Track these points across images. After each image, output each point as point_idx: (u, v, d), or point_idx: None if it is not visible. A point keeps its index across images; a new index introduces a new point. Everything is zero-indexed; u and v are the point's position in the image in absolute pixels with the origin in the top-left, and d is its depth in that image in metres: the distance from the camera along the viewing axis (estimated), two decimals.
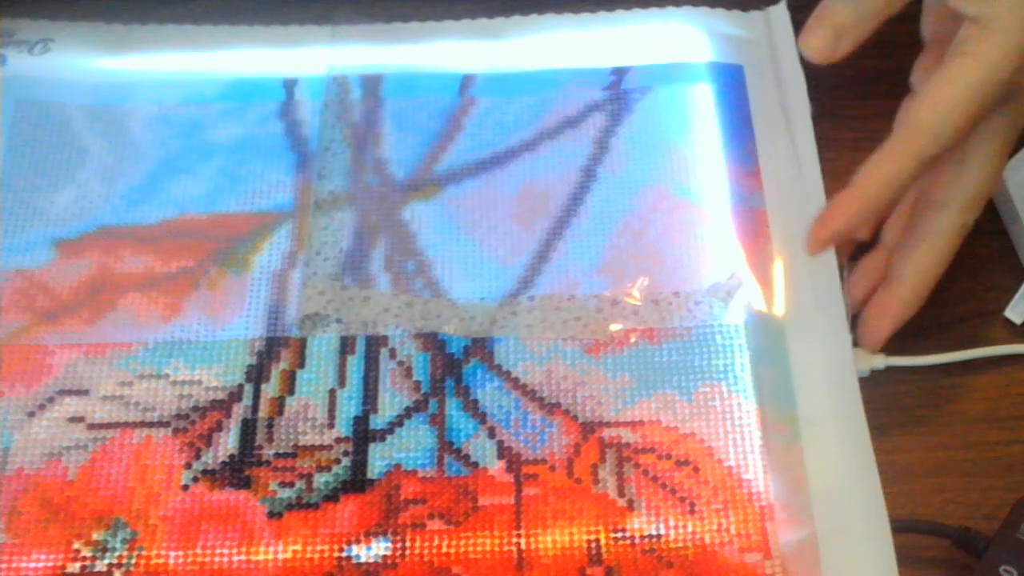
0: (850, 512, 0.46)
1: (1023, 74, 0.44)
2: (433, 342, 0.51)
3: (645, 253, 0.53)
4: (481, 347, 0.51)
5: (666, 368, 0.50)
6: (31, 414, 0.49)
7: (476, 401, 0.49)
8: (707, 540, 0.46)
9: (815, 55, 0.48)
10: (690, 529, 0.46)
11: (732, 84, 0.57)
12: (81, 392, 0.49)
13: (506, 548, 0.46)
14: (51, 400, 0.49)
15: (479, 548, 0.46)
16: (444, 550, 0.46)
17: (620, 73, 0.58)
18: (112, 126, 0.57)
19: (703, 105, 0.57)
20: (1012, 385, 0.52)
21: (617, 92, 0.58)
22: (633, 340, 0.51)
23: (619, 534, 0.46)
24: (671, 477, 0.47)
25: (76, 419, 0.49)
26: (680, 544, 0.46)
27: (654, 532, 0.46)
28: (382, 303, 0.52)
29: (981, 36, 0.44)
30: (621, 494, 0.47)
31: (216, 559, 0.46)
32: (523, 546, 0.46)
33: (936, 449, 0.51)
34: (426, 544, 0.46)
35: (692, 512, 0.46)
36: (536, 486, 0.47)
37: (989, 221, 0.56)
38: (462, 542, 0.46)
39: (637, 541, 0.46)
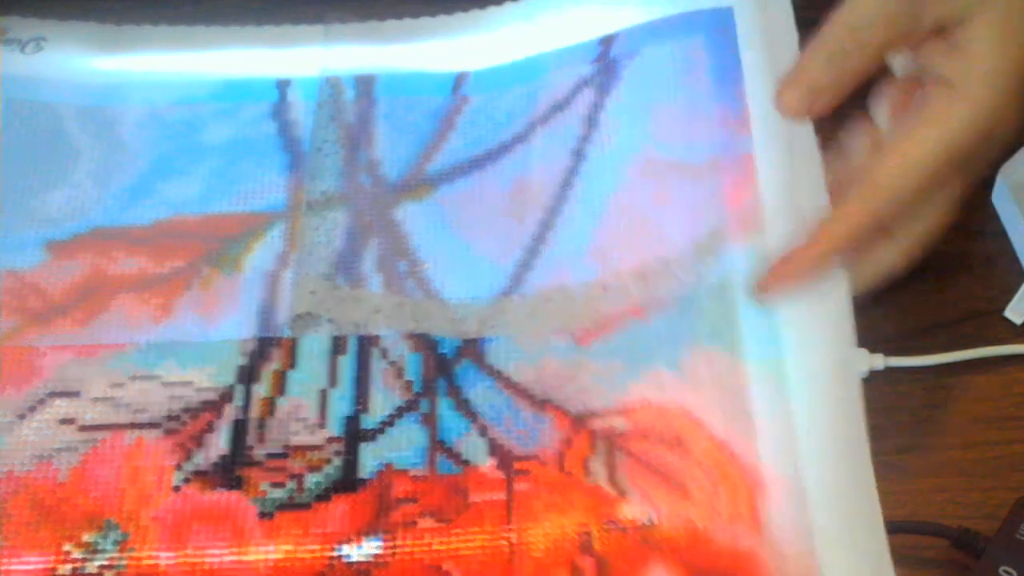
0: (843, 468, 0.44)
1: (985, 140, 0.45)
2: (425, 342, 0.51)
3: (634, 227, 0.52)
4: (473, 347, 0.50)
5: (655, 342, 0.49)
6: (21, 416, 0.48)
7: (468, 400, 0.49)
8: (699, 526, 0.45)
9: (790, 113, 0.47)
10: (682, 515, 0.45)
11: (721, 29, 0.55)
12: (72, 394, 0.49)
13: (497, 543, 0.45)
14: (42, 402, 0.49)
15: (470, 544, 0.45)
16: (435, 548, 0.45)
17: (607, 42, 0.57)
18: (105, 126, 0.56)
19: (691, 58, 0.55)
20: (1012, 385, 0.52)
21: (605, 63, 0.56)
22: (622, 320, 0.50)
23: (611, 524, 0.45)
24: (662, 460, 0.47)
25: (67, 421, 0.48)
26: (672, 531, 0.45)
27: (646, 520, 0.45)
28: (373, 304, 0.51)
29: (951, 101, 0.44)
30: (612, 483, 0.46)
31: (207, 560, 0.45)
32: (514, 540, 0.45)
33: (936, 449, 0.51)
34: (417, 542, 0.45)
35: (684, 497, 0.46)
36: (527, 481, 0.47)
37: (989, 221, 0.56)
38: (453, 539, 0.45)
39: (629, 530, 0.45)
